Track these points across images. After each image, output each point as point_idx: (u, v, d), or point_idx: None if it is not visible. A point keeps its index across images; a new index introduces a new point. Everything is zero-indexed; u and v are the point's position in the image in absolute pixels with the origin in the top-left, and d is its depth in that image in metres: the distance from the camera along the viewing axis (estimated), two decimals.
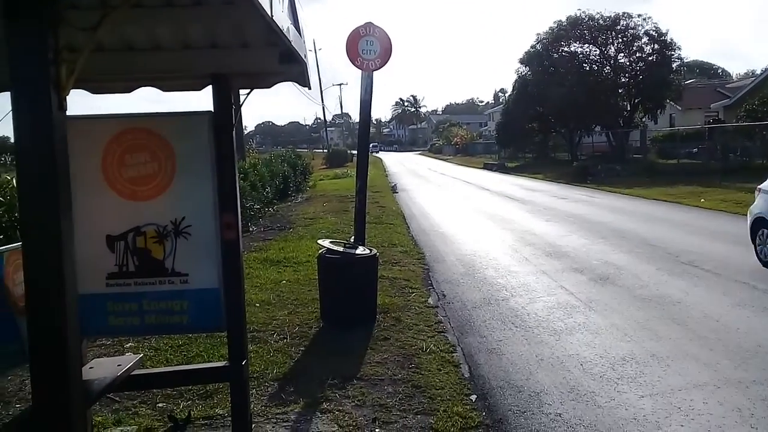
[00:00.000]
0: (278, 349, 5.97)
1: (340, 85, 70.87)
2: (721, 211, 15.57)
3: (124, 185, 4.22)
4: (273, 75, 4.66)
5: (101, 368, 4.39)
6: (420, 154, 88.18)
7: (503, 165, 41.71)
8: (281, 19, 3.32)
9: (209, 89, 4.43)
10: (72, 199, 4.10)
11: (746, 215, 13.28)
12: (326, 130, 76.57)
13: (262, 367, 5.51)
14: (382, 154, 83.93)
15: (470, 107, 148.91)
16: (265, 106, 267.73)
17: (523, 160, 45.80)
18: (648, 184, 23.00)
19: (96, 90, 4.86)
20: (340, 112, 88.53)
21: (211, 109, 4.33)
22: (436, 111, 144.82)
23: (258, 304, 7.44)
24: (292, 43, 3.74)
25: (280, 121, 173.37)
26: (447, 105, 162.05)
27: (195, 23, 3.92)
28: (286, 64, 4.33)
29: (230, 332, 4.36)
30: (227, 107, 4.32)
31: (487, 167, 43.34)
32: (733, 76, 78.30)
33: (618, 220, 14.46)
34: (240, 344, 4.40)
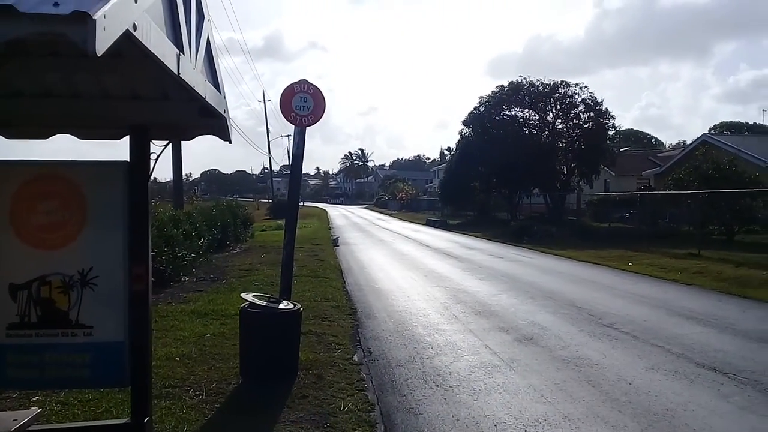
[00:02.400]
0: (192, 405, 5.79)
1: (288, 136, 70.80)
2: (647, 275, 16.15)
3: (32, 233, 4.12)
4: (193, 128, 4.70)
5: None
6: (366, 207, 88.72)
7: (445, 222, 42.30)
8: (192, 77, 3.38)
9: (127, 139, 4.43)
10: None
11: (670, 280, 13.83)
12: (272, 180, 76.40)
13: (173, 424, 5.32)
14: (327, 207, 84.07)
15: (417, 163, 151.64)
16: (212, 154, 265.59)
17: (464, 217, 46.59)
18: (581, 246, 23.70)
19: (12, 135, 4.79)
20: (287, 163, 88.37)
21: (128, 159, 4.31)
22: (383, 165, 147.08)
23: (178, 358, 7.24)
24: (207, 99, 3.80)
25: (228, 169, 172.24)
26: (395, 160, 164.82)
27: (113, 74, 3.95)
28: (206, 118, 4.39)
29: (133, 388, 4.22)
30: (144, 158, 4.30)
31: (429, 223, 43.88)
32: (666, 146, 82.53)
33: (548, 281, 14.81)
34: (143, 401, 4.27)
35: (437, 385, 6.66)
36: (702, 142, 35.12)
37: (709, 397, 6.25)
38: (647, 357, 7.74)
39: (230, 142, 4.84)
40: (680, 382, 6.74)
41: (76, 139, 4.80)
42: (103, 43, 2.05)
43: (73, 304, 4.10)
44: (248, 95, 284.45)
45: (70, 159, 4.35)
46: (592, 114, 37.88)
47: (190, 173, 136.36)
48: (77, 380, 4.25)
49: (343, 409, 5.80)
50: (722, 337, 8.89)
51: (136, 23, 2.42)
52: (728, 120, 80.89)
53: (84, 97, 4.29)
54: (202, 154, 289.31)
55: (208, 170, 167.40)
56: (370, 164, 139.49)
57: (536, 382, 6.70)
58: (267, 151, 70.28)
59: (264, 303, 6.61)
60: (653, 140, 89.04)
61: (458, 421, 5.62)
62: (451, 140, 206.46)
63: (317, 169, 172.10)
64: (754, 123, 75.70)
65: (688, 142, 52.09)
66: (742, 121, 79.83)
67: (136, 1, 2.39)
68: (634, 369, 7.21)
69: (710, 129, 76.27)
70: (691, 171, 26.45)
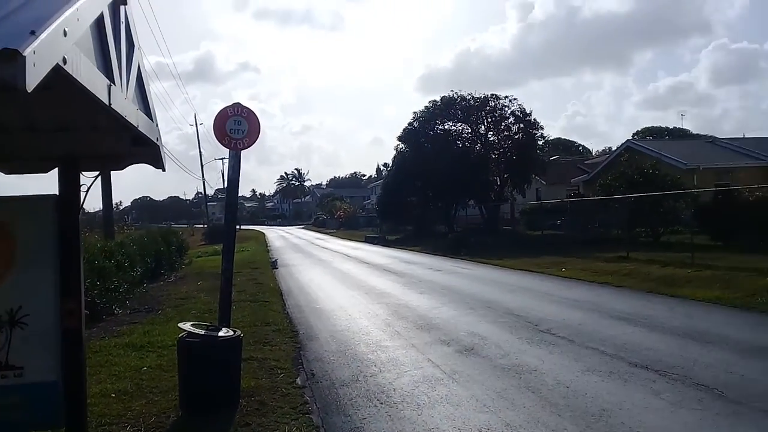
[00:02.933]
0: None
1: (222, 159, 69.81)
2: (580, 279, 16.74)
3: None
4: (126, 157, 4.65)
5: None
6: (304, 227, 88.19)
7: (384, 238, 42.59)
8: (123, 106, 3.37)
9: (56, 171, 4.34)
10: None
11: (601, 283, 14.34)
12: (206, 204, 75.05)
13: None
14: (265, 229, 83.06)
15: (354, 181, 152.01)
16: (143, 181, 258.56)
17: (403, 232, 46.99)
18: (516, 254, 24.31)
19: None
20: (222, 186, 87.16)
21: (57, 192, 4.22)
22: (320, 185, 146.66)
23: (114, 394, 7.01)
24: (139, 128, 3.78)
25: (159, 195, 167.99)
26: (332, 178, 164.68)
27: (41, 107, 3.87)
28: (139, 146, 4.35)
29: (68, 428, 4.11)
30: (74, 190, 4.23)
31: (368, 240, 44.03)
32: (593, 153, 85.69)
33: (487, 291, 15.13)
34: None
35: (381, 403, 6.70)
36: (626, 147, 36.84)
37: (642, 394, 6.53)
38: (583, 360, 8.03)
39: (164, 170, 4.81)
40: (615, 382, 7.02)
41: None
42: (33, 78, 2.05)
43: (1, 346, 3.97)
44: (179, 119, 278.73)
45: None
46: (521, 125, 39.15)
47: (120, 202, 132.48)
48: (9, 424, 4.09)
49: None
50: (652, 335, 9.30)
51: (65, 57, 2.42)
52: (650, 125, 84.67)
53: (9, 131, 4.18)
54: (132, 182, 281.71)
55: (140, 197, 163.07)
56: (307, 183, 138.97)
57: (478, 392, 6.85)
58: (201, 176, 69.16)
59: (202, 332, 6.51)
60: (580, 148, 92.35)
61: None
62: (387, 156, 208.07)
63: (253, 191, 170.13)
64: (674, 127, 79.71)
65: (614, 148, 54.45)
66: (663, 126, 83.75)
67: (65, 35, 2.39)
68: (571, 372, 7.46)
69: (633, 135, 79.93)
70: (617, 176, 27.62)
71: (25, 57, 2.00)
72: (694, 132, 77.56)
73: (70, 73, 2.54)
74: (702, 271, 15.44)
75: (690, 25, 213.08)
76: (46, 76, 2.20)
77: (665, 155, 32.22)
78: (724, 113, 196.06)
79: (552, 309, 12.04)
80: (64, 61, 2.43)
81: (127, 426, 6.00)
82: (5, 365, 3.94)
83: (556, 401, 6.42)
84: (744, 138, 43.76)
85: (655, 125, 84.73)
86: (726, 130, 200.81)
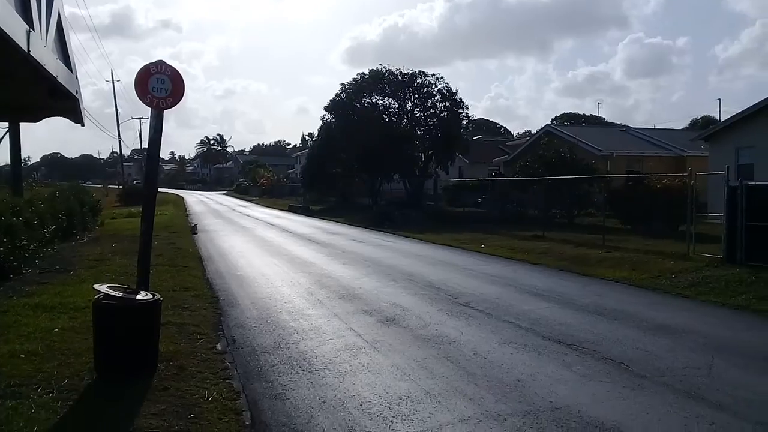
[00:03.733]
0: (42, 404, 5.40)
1: (140, 119, 66.85)
2: (498, 256, 17.25)
3: None
4: (42, 109, 4.40)
5: None
6: (225, 193, 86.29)
7: (308, 208, 42.30)
8: (42, 54, 3.16)
9: None
10: None
11: (518, 260, 14.80)
12: (122, 165, 72.07)
13: (21, 425, 4.95)
14: (184, 193, 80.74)
15: (278, 149, 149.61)
16: (54, 137, 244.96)
17: (327, 203, 46.85)
18: (438, 229, 24.76)
19: None
20: (139, 147, 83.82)
21: None
22: (243, 151, 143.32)
23: (23, 355, 6.70)
24: (58, 79, 3.56)
25: (72, 153, 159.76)
26: (255, 146, 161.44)
27: None
28: (56, 98, 4.11)
29: None
30: None
31: (291, 210, 43.63)
32: (514, 135, 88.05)
33: (409, 264, 15.35)
34: None
35: (303, 370, 6.73)
36: (545, 131, 37.94)
37: (554, 367, 6.84)
38: (500, 332, 8.31)
39: (83, 125, 4.58)
40: (529, 354, 7.32)
41: None
42: None
43: None
44: (95, 74, 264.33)
45: None
46: (447, 104, 39.55)
47: (29, 157, 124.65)
48: None
49: (207, 398, 5.70)
50: (565, 311, 9.73)
51: None
52: (568, 111, 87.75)
53: None
54: (42, 137, 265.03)
55: (50, 154, 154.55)
56: (230, 149, 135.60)
57: (399, 361, 6.98)
58: (117, 135, 66.16)
59: (120, 294, 6.29)
60: (502, 129, 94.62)
61: (325, 403, 5.73)
62: (313, 126, 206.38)
63: (172, 153, 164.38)
64: (591, 115, 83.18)
65: (533, 131, 56.11)
66: (580, 112, 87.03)
67: None
68: (488, 344, 7.72)
69: (552, 120, 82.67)
70: (537, 158, 28.50)
71: None
72: (609, 120, 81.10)
73: None
74: (612, 253, 16.24)
75: (609, 18, 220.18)
76: None
77: (582, 141, 33.45)
78: (637, 104, 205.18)
79: (471, 283, 12.37)
80: None
81: (38, 387, 5.75)
82: None
83: (474, 371, 6.63)
84: (654, 129, 46.16)
85: (573, 111, 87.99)
86: (638, 120, 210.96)
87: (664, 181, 20.95)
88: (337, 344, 7.75)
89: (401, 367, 6.78)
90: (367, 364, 6.90)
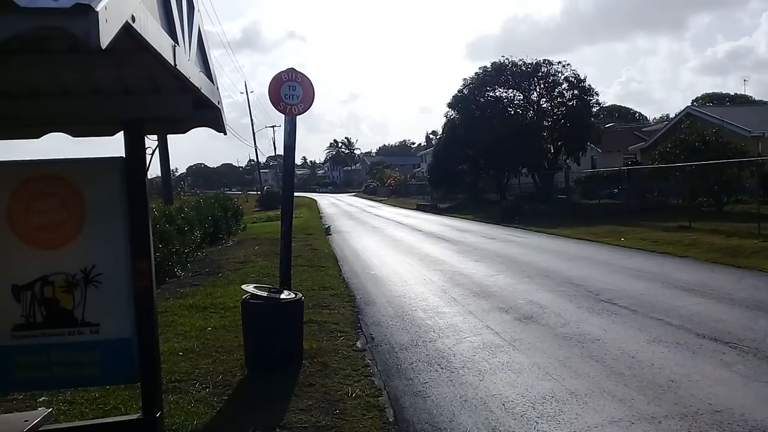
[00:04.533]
0: (200, 399, 5.78)
1: (273, 126, 70.52)
2: (640, 249, 16.27)
3: (32, 233, 4.07)
4: (187, 120, 4.65)
5: (6, 425, 4.16)
6: (355, 195, 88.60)
7: (435, 206, 42.36)
8: (187, 68, 3.33)
9: (122, 135, 4.37)
10: None
11: (663, 253, 13.89)
12: (259, 171, 76.10)
13: (182, 418, 5.32)
14: (317, 196, 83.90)
15: (403, 149, 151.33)
16: (197, 148, 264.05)
17: (454, 200, 46.65)
18: (572, 223, 23.80)
19: (2, 136, 4.72)
20: (273, 154, 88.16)
21: (123, 154, 4.26)
22: (370, 153, 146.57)
23: (181, 353, 7.22)
24: (202, 90, 3.75)
25: (213, 162, 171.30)
26: (381, 147, 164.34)
27: (104, 69, 3.88)
28: (200, 109, 4.34)
29: (143, 384, 4.20)
30: (140, 153, 4.24)
31: (420, 208, 43.91)
32: (651, 120, 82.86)
33: (543, 260, 14.88)
34: (154, 396, 4.25)
35: (442, 368, 6.69)
36: (686, 114, 35.30)
37: (712, 366, 6.31)
38: (647, 330, 7.81)
39: (225, 133, 4.80)
40: (682, 353, 6.81)
41: (68, 137, 4.73)
42: (106, 35, 2.01)
43: (77, 303, 4.07)
44: (229, 87, 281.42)
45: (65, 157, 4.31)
46: (575, 92, 37.97)
47: (176, 168, 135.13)
48: (86, 378, 4.23)
49: (351, 395, 5.81)
50: (720, 307, 8.97)
51: (134, 14, 2.37)
52: (709, 92, 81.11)
53: (75, 95, 4.22)
54: (186, 149, 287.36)
55: (194, 165, 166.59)
56: (357, 152, 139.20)
57: (540, 360, 6.75)
58: (252, 143, 70.08)
59: (265, 293, 6.59)
60: (637, 115, 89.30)
61: (466, 401, 5.65)
62: (436, 124, 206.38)
63: (304, 158, 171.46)
64: (736, 94, 76.17)
65: (671, 115, 52.50)
66: (723, 92, 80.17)
67: None
68: (635, 342, 7.27)
69: (693, 101, 76.69)
70: (677, 144, 26.58)
71: (97, 12, 1.96)
72: (757, 98, 74.01)
73: (139, 31, 2.49)
74: None
75: None
76: (115, 34, 2.15)
77: (728, 122, 30.71)
78: None
79: (612, 278, 11.76)
80: (133, 18, 2.39)
81: (196, 383, 6.16)
82: (82, 321, 4.04)
83: (622, 371, 6.27)
84: None
85: (715, 91, 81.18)
86: None
87: None
88: (475, 342, 7.64)
89: (543, 366, 6.55)
90: (507, 362, 6.74)
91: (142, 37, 2.56)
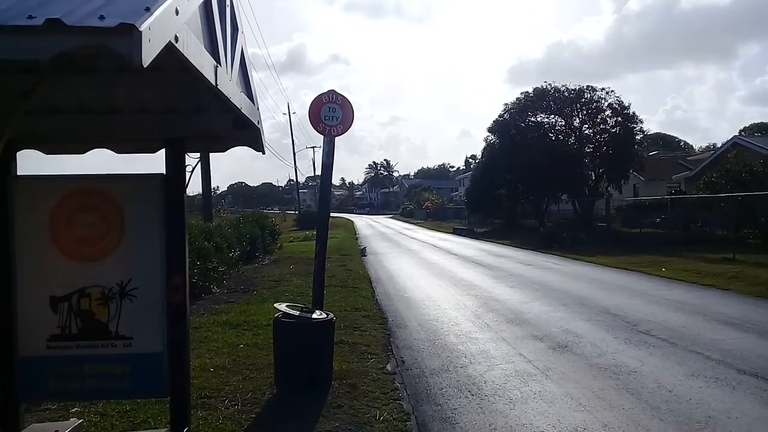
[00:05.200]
0: (228, 416, 5.80)
1: (313, 147, 71.45)
2: (682, 280, 15.85)
3: (72, 245, 4.18)
4: (228, 139, 4.74)
5: None
6: (391, 217, 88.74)
7: (472, 230, 42.13)
8: (228, 88, 3.41)
9: (163, 152, 4.47)
10: (17, 258, 4.06)
11: (705, 285, 13.50)
12: (298, 191, 76.86)
13: None
14: (354, 217, 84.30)
15: (442, 172, 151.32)
16: (238, 167, 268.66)
17: (491, 225, 46.32)
18: (612, 252, 23.35)
19: (50, 151, 4.88)
20: (312, 174, 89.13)
21: (164, 171, 4.35)
22: (408, 175, 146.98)
23: (212, 369, 7.28)
24: (242, 110, 3.83)
25: (254, 182, 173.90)
26: (419, 169, 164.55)
27: (149, 88, 4.00)
28: (240, 129, 4.42)
29: (173, 398, 4.25)
30: (180, 170, 4.34)
31: (456, 232, 43.69)
32: (696, 149, 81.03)
33: (580, 288, 14.61)
34: (183, 411, 4.29)
35: (472, 394, 6.59)
36: (733, 144, 34.45)
37: (752, 403, 6.08)
38: (686, 364, 7.57)
39: (263, 153, 4.88)
40: (722, 388, 6.58)
41: (110, 153, 4.87)
42: (148, 54, 2.08)
43: (112, 316, 4.15)
44: (273, 108, 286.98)
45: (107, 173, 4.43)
46: (619, 118, 37.39)
47: (218, 186, 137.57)
48: (117, 391, 4.29)
49: (379, 418, 5.76)
50: (762, 342, 8.66)
51: (177, 35, 2.45)
52: (757, 121, 78.84)
53: (121, 112, 4.36)
54: (228, 167, 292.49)
55: (235, 183, 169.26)
56: (395, 174, 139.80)
57: (573, 391, 6.59)
58: (293, 163, 70.87)
59: (297, 313, 6.62)
60: (682, 143, 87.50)
61: (495, 429, 5.55)
62: (475, 148, 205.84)
63: (342, 179, 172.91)
64: None
65: (718, 145, 51.26)
66: None
67: (177, 13, 2.42)
68: (673, 376, 7.05)
69: (740, 131, 74.74)
70: (723, 174, 25.94)
71: (141, 32, 2.03)
72: None
73: (181, 51, 2.57)
74: None
75: None
76: (158, 54, 2.22)
77: None
78: None
79: (651, 309, 11.46)
80: (176, 38, 2.46)
81: (225, 400, 6.19)
82: (116, 334, 4.12)
83: (658, 405, 6.08)
84: None
85: (764, 121, 78.83)
86: None
87: None
88: (507, 370, 7.52)
89: (576, 396, 6.40)
90: (539, 392, 6.60)
91: (185, 56, 2.64)
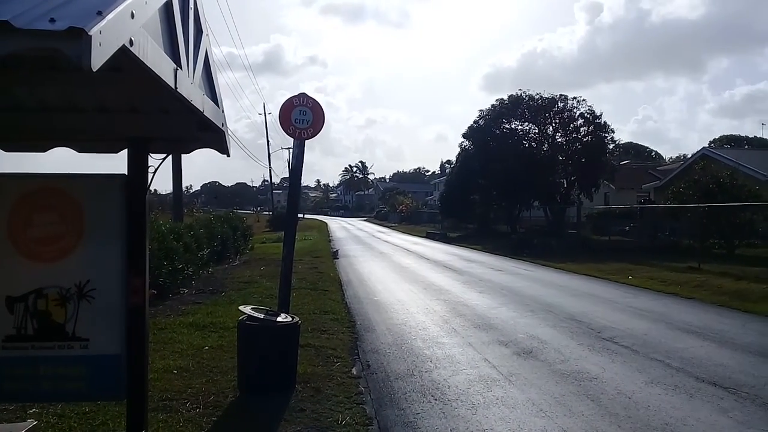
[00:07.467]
0: (189, 419, 5.76)
1: (288, 149, 71.07)
2: (647, 288, 16.12)
3: (30, 245, 4.12)
4: (192, 141, 4.71)
5: None
6: (366, 220, 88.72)
7: (445, 235, 42.29)
8: (189, 91, 3.40)
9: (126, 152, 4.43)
10: None
11: (669, 293, 13.75)
12: (272, 192, 76.48)
13: None
14: (328, 219, 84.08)
15: (417, 176, 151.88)
16: (212, 166, 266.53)
17: (464, 230, 46.56)
18: (581, 259, 23.63)
19: (11, 148, 4.81)
20: (287, 175, 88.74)
21: (125, 172, 4.31)
22: (383, 178, 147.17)
23: (176, 371, 7.21)
24: (205, 113, 3.82)
25: (228, 181, 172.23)
26: (395, 173, 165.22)
27: (111, 88, 3.96)
28: (205, 131, 4.40)
29: (129, 401, 4.21)
30: (143, 171, 4.30)
31: (429, 236, 43.85)
32: (666, 159, 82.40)
33: (548, 294, 14.78)
34: (139, 414, 4.26)
35: (436, 399, 6.63)
36: (702, 155, 35.14)
37: (708, 411, 6.21)
38: (647, 371, 7.71)
39: (228, 156, 4.85)
40: (680, 396, 6.71)
41: (74, 152, 4.82)
42: (98, 58, 2.06)
43: (69, 317, 4.10)
44: (249, 108, 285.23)
45: (68, 172, 4.36)
46: (591, 127, 37.89)
47: (191, 185, 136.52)
48: (73, 393, 4.24)
49: (341, 422, 5.77)
50: (722, 351, 8.85)
51: (132, 39, 2.43)
52: (726, 134, 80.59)
53: (82, 111, 4.31)
54: (202, 167, 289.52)
55: (209, 182, 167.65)
56: (371, 177, 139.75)
57: (535, 396, 6.67)
58: (267, 164, 70.58)
59: (262, 316, 6.60)
60: (653, 153, 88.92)
61: None
62: (451, 153, 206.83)
63: (317, 181, 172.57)
64: (754, 136, 75.69)
65: (688, 155, 52.22)
66: (741, 134, 79.65)
67: (132, 17, 2.40)
68: (633, 383, 7.18)
69: (710, 142, 76.23)
70: (691, 184, 26.42)
71: (90, 36, 2.02)
72: None
73: (137, 55, 2.55)
74: None
75: (767, 34, 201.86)
76: (113, 57, 2.21)
77: (743, 165, 30.49)
78: None
79: (616, 317, 11.64)
80: (131, 42, 2.44)
81: (187, 402, 6.14)
82: (72, 336, 4.07)
83: (617, 411, 6.18)
84: None
85: (732, 133, 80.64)
86: None
87: None
88: (471, 375, 7.58)
89: (537, 402, 6.48)
90: (502, 397, 6.67)
91: (141, 60, 2.62)
